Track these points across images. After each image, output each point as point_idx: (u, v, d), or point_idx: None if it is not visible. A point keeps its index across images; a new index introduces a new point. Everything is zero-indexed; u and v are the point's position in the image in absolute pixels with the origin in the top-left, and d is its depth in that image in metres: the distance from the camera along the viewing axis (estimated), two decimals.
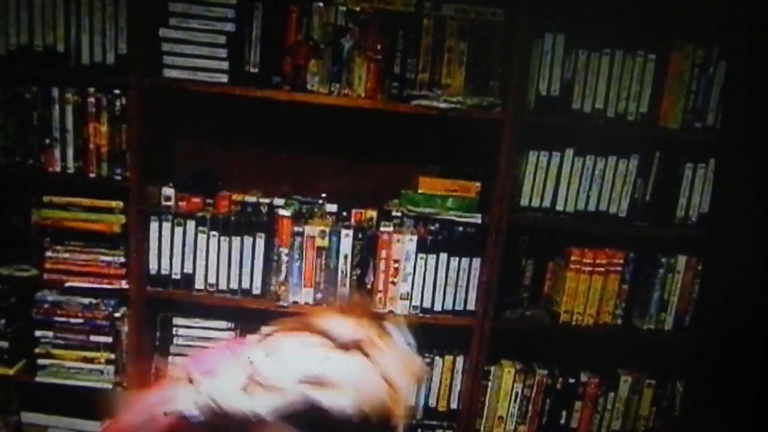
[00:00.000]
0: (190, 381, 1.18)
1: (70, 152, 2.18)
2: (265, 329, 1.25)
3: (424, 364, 2.30)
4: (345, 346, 1.18)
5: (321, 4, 2.14)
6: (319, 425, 1.13)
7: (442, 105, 2.14)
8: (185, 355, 2.30)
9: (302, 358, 1.16)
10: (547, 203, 2.27)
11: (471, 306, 2.29)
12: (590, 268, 2.29)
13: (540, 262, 2.41)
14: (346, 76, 2.17)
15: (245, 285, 2.25)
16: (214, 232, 2.22)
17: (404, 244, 2.24)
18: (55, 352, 2.26)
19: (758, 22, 2.10)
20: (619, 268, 2.31)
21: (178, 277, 2.25)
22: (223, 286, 2.25)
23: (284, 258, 2.24)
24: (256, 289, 2.26)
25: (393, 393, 1.19)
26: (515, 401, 2.38)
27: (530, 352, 2.42)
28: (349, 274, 2.24)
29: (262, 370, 1.15)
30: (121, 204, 2.20)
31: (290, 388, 1.12)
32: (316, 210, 2.33)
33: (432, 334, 2.34)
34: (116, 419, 1.34)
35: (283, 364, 1.16)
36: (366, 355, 1.19)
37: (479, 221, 2.25)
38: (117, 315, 2.26)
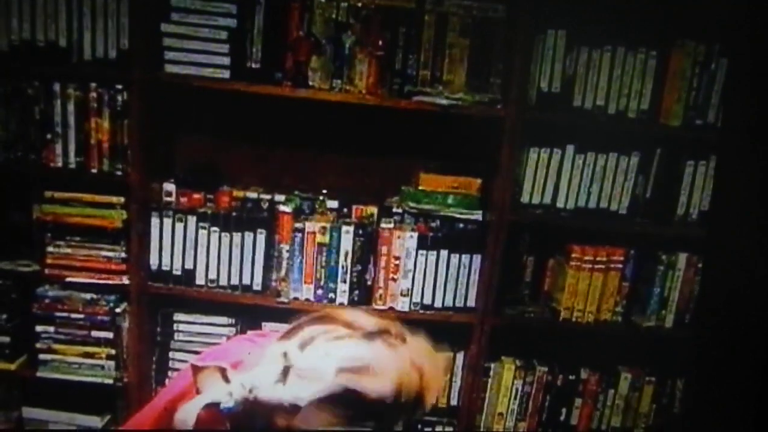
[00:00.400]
0: (223, 374, 1.19)
1: (72, 147, 2.18)
2: (289, 324, 1.27)
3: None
4: (371, 336, 1.21)
5: None
6: (355, 409, 1.15)
7: (444, 101, 2.14)
8: (186, 350, 2.31)
9: (337, 348, 1.19)
10: (547, 200, 2.27)
11: (471, 303, 2.29)
12: (591, 265, 2.29)
13: (540, 259, 2.41)
14: (348, 72, 2.17)
15: (246, 281, 2.25)
16: (215, 228, 2.22)
17: (405, 240, 2.24)
18: (56, 347, 2.27)
19: (760, 19, 2.10)
20: (620, 266, 2.31)
21: (179, 272, 2.25)
22: (223, 282, 2.25)
23: (285, 254, 2.25)
24: (257, 285, 2.26)
25: (423, 378, 1.23)
26: (515, 398, 2.38)
27: (530, 349, 2.42)
28: (349, 271, 2.25)
29: (299, 362, 1.17)
30: (122, 199, 2.20)
31: (330, 378, 1.14)
32: (316, 206, 2.33)
33: (432, 330, 2.33)
34: (141, 413, 1.35)
35: (320, 355, 1.19)
36: (391, 344, 1.22)
37: (480, 218, 2.25)
38: (118, 310, 2.26)
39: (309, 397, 1.15)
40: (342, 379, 1.15)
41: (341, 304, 2.25)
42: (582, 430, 2.41)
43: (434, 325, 2.29)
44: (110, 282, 2.24)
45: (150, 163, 2.21)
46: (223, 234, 2.22)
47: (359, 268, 2.25)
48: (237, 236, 2.22)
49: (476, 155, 2.31)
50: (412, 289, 2.27)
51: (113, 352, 2.28)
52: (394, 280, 2.26)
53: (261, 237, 2.23)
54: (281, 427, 1.25)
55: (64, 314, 2.25)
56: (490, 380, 2.37)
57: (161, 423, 1.28)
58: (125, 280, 2.24)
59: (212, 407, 1.17)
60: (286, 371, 1.17)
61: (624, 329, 2.35)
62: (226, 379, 1.19)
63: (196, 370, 1.23)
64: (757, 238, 2.18)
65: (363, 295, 2.26)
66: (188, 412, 1.19)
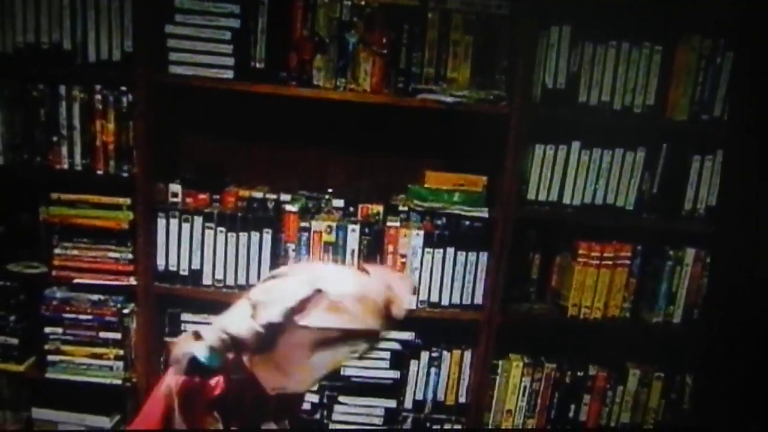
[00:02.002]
0: (197, 336, 1.21)
1: (78, 149, 2.19)
2: None
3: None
4: None
5: None
6: (326, 313, 1.19)
7: (448, 99, 2.14)
8: None
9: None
10: (554, 197, 2.26)
11: (478, 300, 2.29)
12: (598, 262, 2.29)
13: (547, 256, 2.41)
14: (352, 70, 2.17)
15: (253, 280, 2.25)
16: (221, 228, 2.22)
17: (411, 238, 2.24)
18: (65, 348, 2.27)
19: (765, 13, 2.09)
20: (627, 261, 2.30)
21: (186, 273, 2.25)
22: (230, 281, 2.25)
23: (291, 253, 2.25)
24: None
25: (391, 292, 1.26)
26: (524, 395, 2.38)
27: (538, 346, 2.41)
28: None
29: (264, 297, 1.21)
30: (128, 201, 2.21)
31: (297, 289, 1.18)
32: (322, 205, 2.33)
33: (440, 328, 2.34)
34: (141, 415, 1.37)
35: (284, 285, 1.23)
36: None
37: (486, 215, 2.25)
38: (125, 311, 2.27)
39: (280, 312, 1.17)
40: (309, 285, 1.19)
41: None
42: (591, 427, 2.41)
43: (441, 323, 2.31)
44: (117, 283, 2.25)
45: (156, 164, 2.22)
46: (229, 234, 2.22)
47: None
48: (243, 236, 2.22)
49: (481, 152, 2.31)
50: (418, 287, 2.26)
51: (121, 352, 2.28)
52: None
53: (267, 236, 2.23)
54: (270, 399, 1.27)
55: (72, 315, 2.26)
56: (498, 378, 2.36)
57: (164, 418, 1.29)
58: (132, 281, 2.25)
59: (188, 367, 1.18)
60: (254, 307, 1.20)
61: (632, 325, 2.35)
62: (200, 339, 1.21)
63: (171, 345, 1.25)
64: (765, 232, 2.18)
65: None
66: (166, 384, 1.21)
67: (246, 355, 1.22)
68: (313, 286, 1.20)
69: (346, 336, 1.20)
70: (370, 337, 1.25)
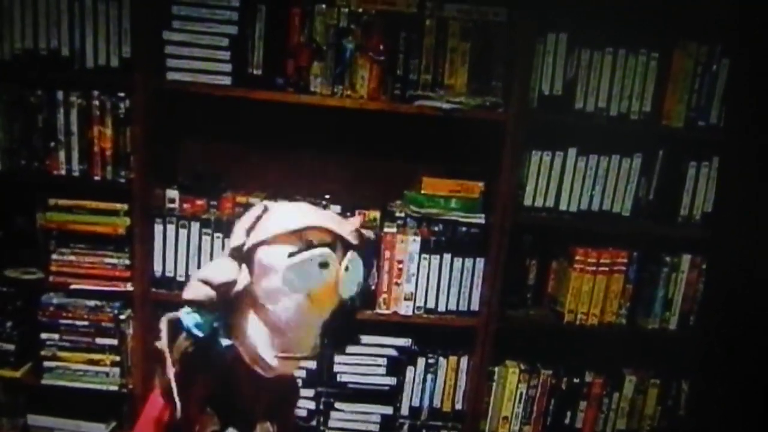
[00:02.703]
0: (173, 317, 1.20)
1: (75, 155, 2.19)
2: None
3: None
4: None
5: (323, 5, 2.14)
6: (278, 219, 1.22)
7: (445, 105, 2.14)
8: None
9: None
10: (550, 203, 2.27)
11: (475, 306, 2.29)
12: (594, 268, 2.29)
13: (544, 262, 2.41)
14: (349, 77, 2.18)
15: None
16: (218, 234, 2.22)
17: (408, 244, 2.24)
18: (61, 354, 2.27)
19: (761, 20, 2.10)
20: (623, 268, 2.30)
21: (183, 279, 2.24)
22: None
23: None
24: None
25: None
26: (520, 401, 2.37)
27: (534, 353, 2.41)
28: None
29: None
30: (125, 206, 2.20)
31: (280, 224, 1.23)
32: None
33: (436, 334, 2.34)
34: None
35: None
36: None
37: (483, 221, 2.25)
38: (122, 317, 2.26)
39: (238, 234, 1.21)
40: (260, 206, 1.24)
41: None
42: None
43: (438, 329, 2.31)
44: (114, 289, 2.24)
45: (153, 169, 2.21)
46: (226, 240, 2.22)
47: None
48: None
49: (478, 159, 2.31)
50: (415, 293, 2.26)
51: (118, 358, 2.28)
52: (397, 284, 2.26)
53: None
54: (263, 393, 1.26)
55: (69, 321, 2.25)
56: (494, 384, 2.36)
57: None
58: (129, 287, 2.24)
59: (173, 333, 1.17)
60: (233, 251, 1.20)
61: (628, 331, 2.35)
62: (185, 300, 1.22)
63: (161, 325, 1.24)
64: (760, 238, 2.18)
65: (366, 299, 2.26)
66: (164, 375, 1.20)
67: (234, 319, 1.22)
68: (263, 207, 1.23)
69: (309, 242, 1.19)
70: (342, 242, 1.24)
